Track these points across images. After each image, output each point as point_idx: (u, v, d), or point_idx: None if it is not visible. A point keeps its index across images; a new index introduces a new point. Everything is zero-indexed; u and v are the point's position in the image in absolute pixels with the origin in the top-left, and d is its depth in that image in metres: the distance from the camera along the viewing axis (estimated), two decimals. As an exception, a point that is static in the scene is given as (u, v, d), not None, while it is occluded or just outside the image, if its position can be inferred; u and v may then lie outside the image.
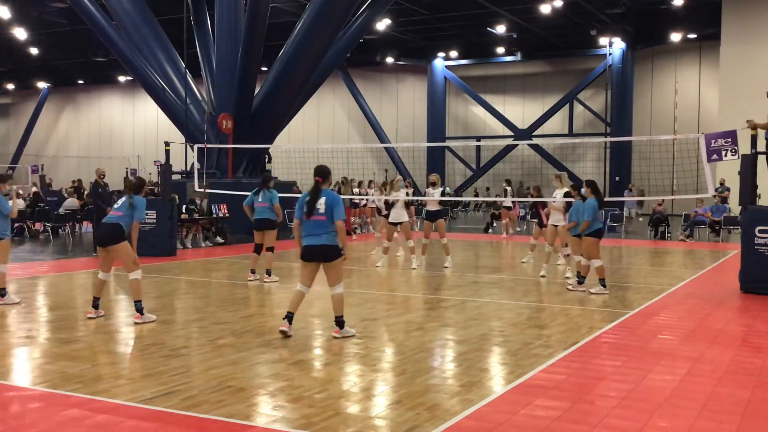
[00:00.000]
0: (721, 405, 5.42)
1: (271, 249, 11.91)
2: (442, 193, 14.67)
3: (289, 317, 7.56)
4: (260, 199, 11.79)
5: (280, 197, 12.07)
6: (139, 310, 8.35)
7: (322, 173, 7.51)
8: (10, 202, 9.55)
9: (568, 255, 12.65)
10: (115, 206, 8.61)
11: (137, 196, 8.57)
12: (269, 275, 11.86)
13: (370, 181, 24.64)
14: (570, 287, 11.09)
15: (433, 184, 14.13)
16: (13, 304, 9.42)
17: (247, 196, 12.07)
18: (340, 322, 7.56)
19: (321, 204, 7.36)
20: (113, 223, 8.42)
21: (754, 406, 5.43)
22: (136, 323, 8.26)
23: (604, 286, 10.74)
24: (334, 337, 7.48)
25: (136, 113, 49.50)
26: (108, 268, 8.65)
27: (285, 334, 7.49)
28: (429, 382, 5.94)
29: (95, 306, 8.59)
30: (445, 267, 13.83)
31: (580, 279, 11.02)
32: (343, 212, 7.45)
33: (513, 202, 22.33)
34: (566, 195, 12.59)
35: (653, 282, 12.22)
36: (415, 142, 40.43)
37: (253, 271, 11.99)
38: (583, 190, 11.29)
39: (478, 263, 15.32)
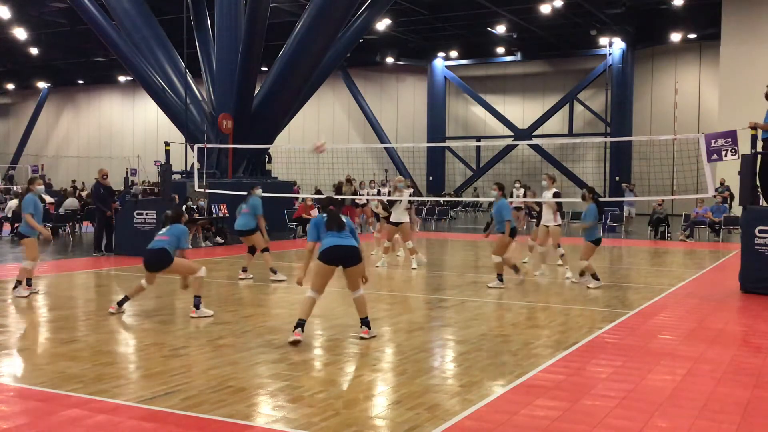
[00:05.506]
0: (721, 405, 5.42)
1: (266, 249, 11.99)
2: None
3: (301, 324, 7.28)
4: (244, 206, 12.02)
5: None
6: (196, 305, 8.62)
7: (335, 202, 7.85)
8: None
9: (563, 255, 12.75)
10: (160, 232, 8.91)
11: (180, 225, 8.90)
12: (275, 273, 11.93)
13: (371, 181, 24.65)
14: (573, 279, 11.47)
15: (408, 186, 14.65)
16: (22, 297, 9.93)
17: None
18: (367, 323, 7.54)
19: (344, 220, 7.59)
20: (159, 248, 8.64)
21: (754, 406, 5.43)
22: (192, 317, 8.52)
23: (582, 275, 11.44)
24: (362, 338, 7.43)
25: (136, 113, 49.49)
26: (152, 281, 8.87)
27: (297, 344, 7.15)
28: (429, 382, 5.94)
29: (120, 304, 8.84)
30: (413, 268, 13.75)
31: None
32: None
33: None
34: (555, 195, 12.77)
35: (653, 282, 12.22)
36: (415, 142, 40.41)
37: (244, 270, 12.13)
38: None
39: (478, 263, 15.31)
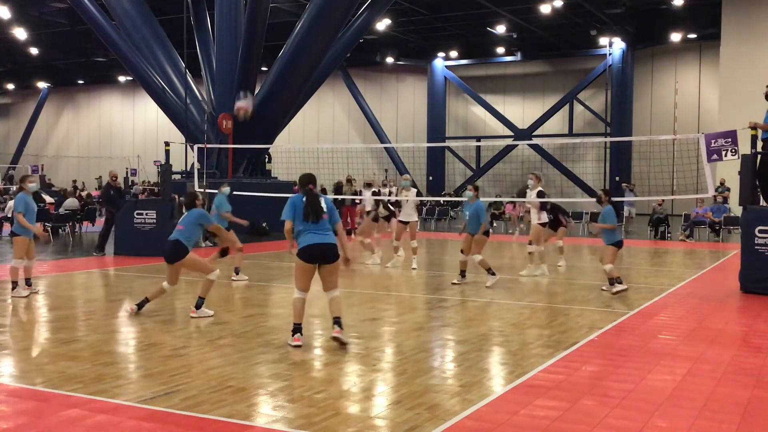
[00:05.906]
0: (721, 405, 5.42)
1: (224, 252, 11.94)
2: (375, 193, 15.65)
3: (298, 329, 7.18)
4: (213, 207, 12.06)
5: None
6: (198, 305, 8.65)
7: (313, 180, 7.44)
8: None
9: (531, 252, 12.78)
10: (179, 221, 8.90)
11: (194, 209, 8.85)
12: (236, 275, 11.97)
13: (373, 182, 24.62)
14: (605, 289, 11.00)
15: (368, 185, 14.74)
16: (22, 297, 9.89)
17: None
18: (339, 322, 7.29)
19: (323, 205, 7.29)
20: (174, 240, 8.61)
21: (754, 406, 5.43)
22: (192, 317, 8.55)
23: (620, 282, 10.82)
24: (334, 338, 7.22)
25: (136, 113, 49.49)
26: (174, 281, 8.77)
27: (299, 347, 7.10)
28: (429, 382, 5.94)
29: (140, 306, 8.78)
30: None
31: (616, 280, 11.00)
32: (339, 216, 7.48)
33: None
34: (539, 194, 12.80)
35: (653, 282, 12.22)
36: (415, 142, 40.40)
37: (236, 271, 12.09)
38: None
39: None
